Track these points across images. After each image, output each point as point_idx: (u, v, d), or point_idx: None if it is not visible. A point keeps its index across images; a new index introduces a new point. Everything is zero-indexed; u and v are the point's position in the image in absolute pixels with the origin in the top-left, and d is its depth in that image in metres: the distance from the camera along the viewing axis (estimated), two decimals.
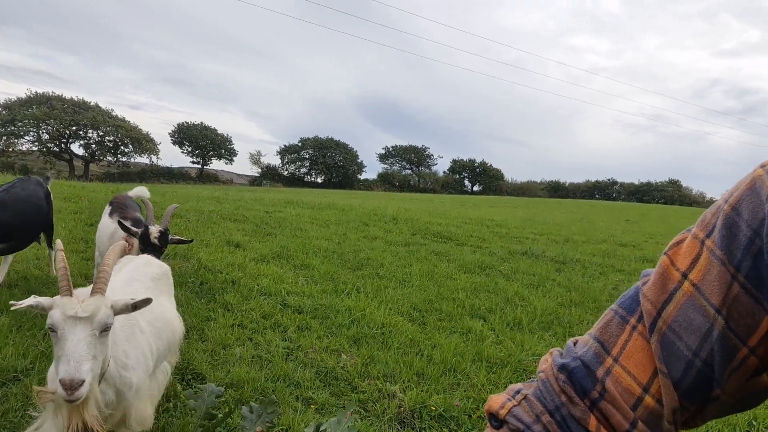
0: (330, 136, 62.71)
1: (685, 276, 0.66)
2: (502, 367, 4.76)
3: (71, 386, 1.90)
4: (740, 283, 0.60)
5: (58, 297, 2.08)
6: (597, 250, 12.67)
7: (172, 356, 3.47)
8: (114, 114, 51.88)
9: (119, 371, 2.42)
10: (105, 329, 2.10)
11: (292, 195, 21.46)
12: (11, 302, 2.09)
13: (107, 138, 51.20)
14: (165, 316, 3.07)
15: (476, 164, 70.10)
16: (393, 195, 41.31)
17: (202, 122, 57.78)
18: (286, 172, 61.88)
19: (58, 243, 2.31)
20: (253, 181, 58.00)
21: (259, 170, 60.94)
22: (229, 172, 62.03)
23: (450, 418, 3.85)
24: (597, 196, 70.57)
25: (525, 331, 5.84)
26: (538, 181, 73.62)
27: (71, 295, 2.10)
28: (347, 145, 63.06)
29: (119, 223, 4.36)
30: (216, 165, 59.64)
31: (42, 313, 2.08)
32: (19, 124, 46.73)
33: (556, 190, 70.73)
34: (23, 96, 48.88)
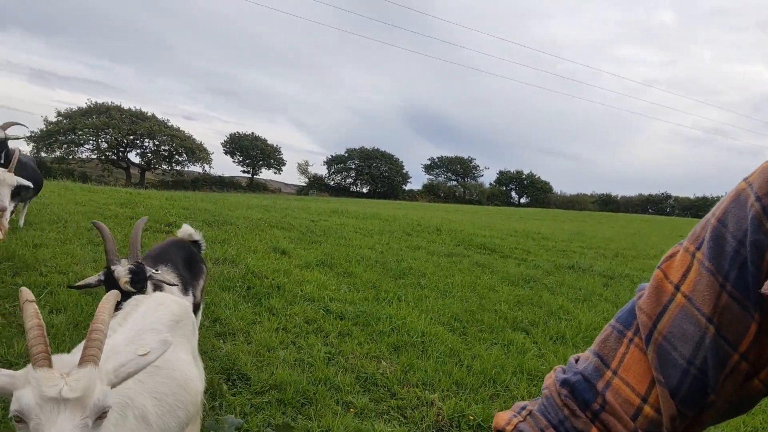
0: (376, 147, 63.15)
1: (677, 288, 0.69)
2: (541, 381, 4.72)
3: None
4: (728, 292, 0.64)
5: (28, 369, 1.43)
6: (648, 266, 12.35)
7: (193, 427, 2.65)
8: (169, 124, 53.65)
9: None
10: (101, 416, 1.48)
11: (337, 204, 21.70)
12: None
13: (162, 147, 52.96)
14: (184, 381, 2.36)
15: (524, 176, 69.18)
16: (438, 206, 41.14)
17: (252, 132, 59.12)
18: (332, 182, 62.60)
19: (26, 293, 1.57)
20: (301, 191, 58.92)
21: (307, 180, 61.87)
22: (277, 181, 63.18)
23: (488, 429, 3.86)
24: (650, 210, 68.50)
25: (569, 345, 5.77)
26: (588, 194, 72.05)
27: (50, 365, 1.43)
28: (393, 155, 63.34)
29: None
30: (265, 174, 60.75)
31: (4, 394, 1.41)
32: (80, 132, 48.85)
33: (606, 203, 69.05)
34: (83, 106, 51.08)
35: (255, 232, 9.63)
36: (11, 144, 6.42)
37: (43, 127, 47.20)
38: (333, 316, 5.61)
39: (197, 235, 4.39)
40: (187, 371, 2.41)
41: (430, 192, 63.81)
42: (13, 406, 1.37)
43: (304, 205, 18.72)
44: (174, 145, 52.78)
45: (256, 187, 56.39)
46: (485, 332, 5.83)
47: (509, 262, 10.43)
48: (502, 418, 0.77)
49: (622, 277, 10.21)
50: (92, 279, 3.04)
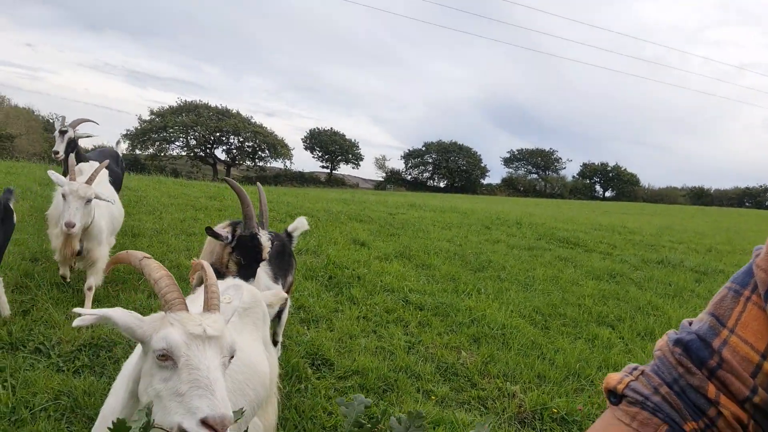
0: (453, 140, 62.61)
1: None
2: None
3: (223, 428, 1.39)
4: None
5: (163, 314, 1.58)
6: (744, 261, 11.51)
7: (265, 412, 2.71)
8: (253, 121, 55.65)
9: None
10: (231, 358, 1.61)
11: (414, 198, 21.75)
12: (75, 310, 1.59)
13: (246, 144, 55.01)
14: (252, 363, 2.41)
15: (609, 168, 66.35)
16: (517, 200, 40.33)
17: (331, 128, 60.19)
18: (409, 177, 62.72)
19: (136, 253, 1.80)
20: (378, 186, 59.44)
21: (384, 175, 62.30)
22: (355, 176, 64.09)
23: (572, 422, 3.78)
24: (747, 204, 63.91)
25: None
26: (679, 187, 68.17)
27: (187, 309, 1.59)
28: (471, 149, 62.55)
29: (208, 229, 3.19)
30: (343, 170, 61.72)
31: (129, 334, 1.55)
32: (171, 130, 51.60)
33: (699, 196, 65.08)
34: (174, 104, 53.87)
35: (335, 225, 9.84)
36: (102, 143, 6.72)
37: (137, 125, 50.30)
38: (412, 306, 5.66)
39: (300, 230, 4.47)
40: (254, 355, 2.48)
41: (510, 186, 62.56)
42: (160, 345, 1.47)
43: (381, 199, 18.92)
44: (257, 141, 54.70)
45: (334, 182, 57.45)
46: (568, 326, 5.69)
47: (593, 256, 10.08)
48: (613, 378, 0.76)
49: (716, 273, 9.62)
50: (224, 233, 3.12)
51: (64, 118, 6.65)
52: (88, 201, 4.41)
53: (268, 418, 2.72)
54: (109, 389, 1.99)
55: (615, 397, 0.75)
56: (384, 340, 4.77)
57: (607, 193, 66.62)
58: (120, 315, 1.56)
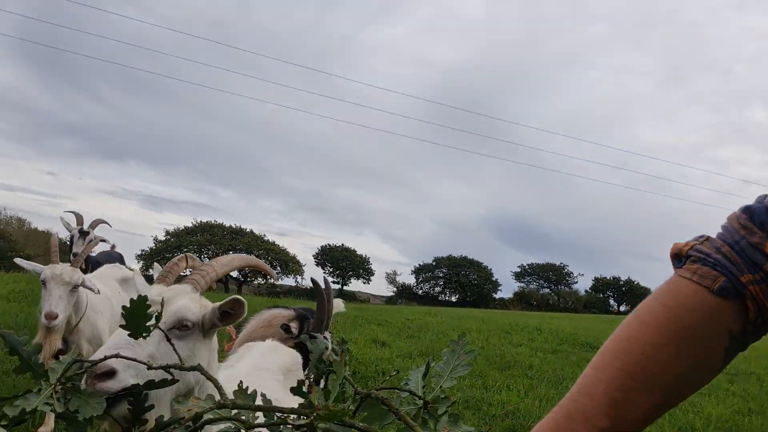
0: (464, 255, 62.94)
1: None
2: None
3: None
4: None
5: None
6: None
7: None
8: (265, 239, 56.62)
9: None
10: (179, 327, 1.61)
11: (428, 309, 21.53)
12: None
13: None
14: None
15: (621, 282, 65.82)
16: (531, 314, 39.77)
17: (342, 244, 60.95)
18: (420, 291, 62.35)
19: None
20: (389, 301, 58.99)
21: (395, 289, 62.03)
22: (366, 292, 63.82)
23: None
24: None
25: None
26: None
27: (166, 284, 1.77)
28: (481, 263, 62.67)
29: (283, 326, 3.03)
30: (354, 285, 61.60)
31: None
32: (185, 249, 52.45)
33: None
34: (189, 225, 55.19)
35: (353, 327, 9.71)
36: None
37: (152, 245, 51.24)
38: None
39: (336, 311, 4.37)
40: None
41: (522, 300, 61.88)
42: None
43: (396, 309, 18.76)
44: (269, 258, 55.30)
45: (345, 296, 57.13)
46: None
47: None
48: (678, 245, 0.78)
49: (747, 374, 9.27)
50: (294, 329, 3.02)
51: (81, 217, 6.18)
52: (74, 288, 3.64)
53: None
54: None
55: (679, 260, 0.77)
56: None
57: (622, 308, 65.57)
58: None
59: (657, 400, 0.71)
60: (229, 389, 1.78)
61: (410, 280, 63.68)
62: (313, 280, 3.24)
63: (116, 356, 1.26)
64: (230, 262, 1.90)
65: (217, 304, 1.69)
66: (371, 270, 59.70)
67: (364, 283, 60.72)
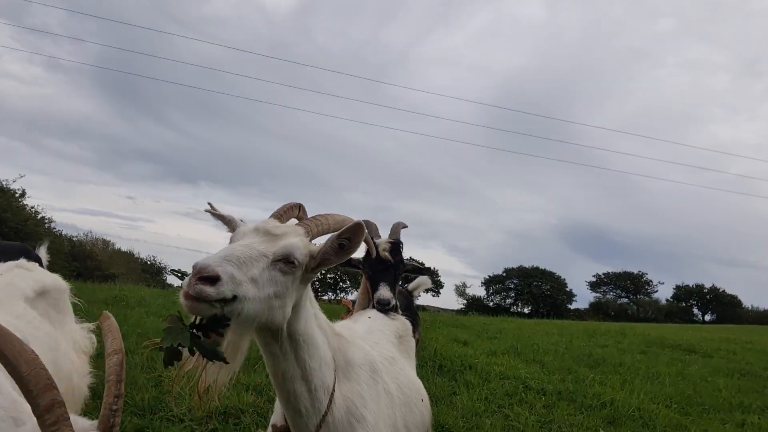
0: (535, 265, 61.43)
1: None
2: None
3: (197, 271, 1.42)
4: None
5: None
6: None
7: None
8: None
9: (350, 420, 1.83)
10: (283, 260, 1.59)
11: (503, 318, 21.13)
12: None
13: (329, 275, 56.36)
14: (417, 384, 2.40)
15: (705, 290, 62.24)
16: (611, 324, 38.25)
17: (410, 257, 60.80)
18: (491, 303, 61.24)
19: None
20: (459, 313, 58.31)
21: (465, 302, 61.23)
22: (435, 306, 63.29)
23: None
24: None
25: None
26: None
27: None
28: (554, 273, 60.90)
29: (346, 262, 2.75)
30: (424, 299, 61.29)
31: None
32: None
33: None
34: None
35: (432, 329, 9.67)
36: None
37: None
38: (534, 391, 5.34)
39: (423, 288, 4.39)
40: (415, 378, 2.45)
41: (599, 310, 59.57)
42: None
43: (471, 317, 18.53)
44: (338, 272, 55.97)
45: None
46: (710, 412, 5.15)
47: (714, 360, 9.25)
48: None
49: None
50: (355, 259, 3.00)
51: None
52: None
53: None
54: None
55: None
56: (511, 419, 4.48)
57: (707, 317, 61.95)
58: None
59: None
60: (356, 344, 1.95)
61: (480, 292, 62.65)
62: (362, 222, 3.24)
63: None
64: (343, 221, 1.83)
65: (335, 234, 1.66)
66: (440, 282, 59.18)
67: (433, 296, 60.21)
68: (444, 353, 6.75)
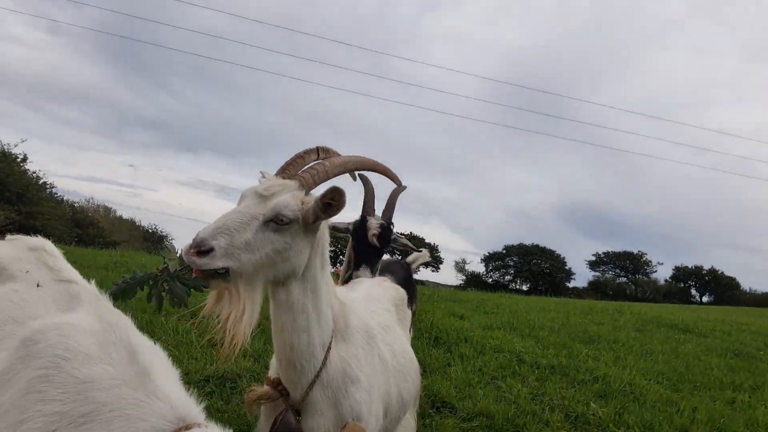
0: (535, 243, 61.56)
1: None
2: None
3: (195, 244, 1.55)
4: None
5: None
6: None
7: (414, 407, 2.76)
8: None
9: (344, 380, 1.88)
10: (276, 220, 1.65)
11: (501, 294, 21.26)
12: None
13: (330, 248, 56.50)
14: (410, 352, 2.45)
15: (704, 272, 62.46)
16: (609, 303, 38.49)
17: (411, 232, 61.09)
18: (490, 280, 61.53)
19: None
20: (458, 289, 58.62)
21: (464, 278, 61.51)
22: (434, 281, 63.59)
23: None
24: None
25: None
26: None
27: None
28: (554, 251, 61.09)
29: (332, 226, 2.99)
30: (423, 274, 61.56)
31: None
32: None
33: None
34: None
35: (430, 302, 9.74)
36: None
37: None
38: (527, 364, 5.40)
39: (420, 262, 4.38)
40: (408, 346, 2.50)
41: (597, 289, 59.86)
42: None
43: (469, 293, 18.64)
44: (339, 246, 56.16)
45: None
46: (700, 390, 5.22)
47: (709, 340, 9.32)
48: None
49: None
50: (343, 224, 3.10)
51: None
52: None
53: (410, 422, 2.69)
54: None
55: None
56: (503, 390, 4.55)
57: (704, 298, 62.28)
58: None
59: None
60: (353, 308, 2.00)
61: (479, 268, 62.89)
62: (360, 176, 3.17)
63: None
64: (344, 164, 1.85)
65: (318, 195, 1.71)
66: (440, 258, 59.37)
67: (432, 271, 60.46)
68: (440, 326, 6.81)
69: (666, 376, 5.58)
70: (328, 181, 1.80)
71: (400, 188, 3.11)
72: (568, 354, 6.13)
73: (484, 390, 4.49)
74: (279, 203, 1.66)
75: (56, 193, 33.69)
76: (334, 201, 1.69)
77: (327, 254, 1.92)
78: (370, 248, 2.91)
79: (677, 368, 5.99)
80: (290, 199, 1.68)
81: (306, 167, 1.82)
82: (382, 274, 3.64)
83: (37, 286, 1.65)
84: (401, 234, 3.29)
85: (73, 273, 1.78)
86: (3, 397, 1.25)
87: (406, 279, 3.95)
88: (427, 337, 6.13)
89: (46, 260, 1.77)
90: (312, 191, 1.79)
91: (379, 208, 3.16)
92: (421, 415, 3.79)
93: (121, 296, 1.66)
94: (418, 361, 5.03)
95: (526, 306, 11.83)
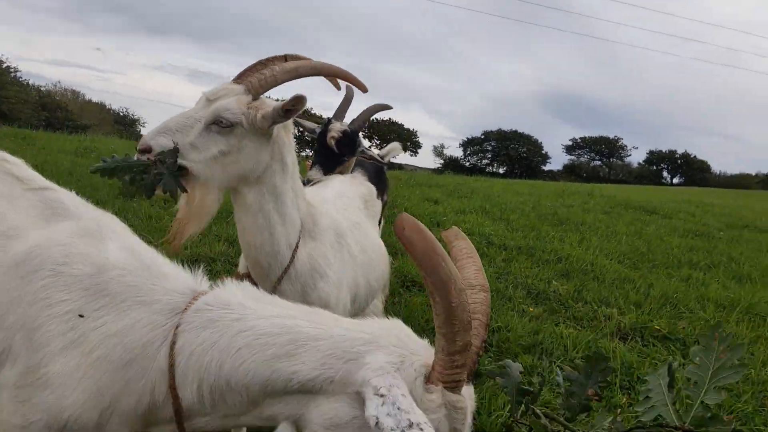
0: (514, 129, 61.59)
1: None
2: (732, 309, 4.36)
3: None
4: None
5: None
6: None
7: (382, 293, 2.92)
8: (312, 111, 56.37)
9: (312, 275, 1.98)
10: (216, 122, 1.70)
11: (477, 178, 21.55)
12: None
13: (306, 134, 55.84)
14: (379, 246, 2.55)
15: (677, 155, 63.65)
16: (582, 185, 39.37)
17: (389, 118, 60.30)
18: (467, 164, 62.11)
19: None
20: (435, 172, 59.22)
21: (442, 162, 61.94)
22: (413, 165, 63.93)
23: (676, 340, 3.65)
24: None
25: (757, 284, 5.27)
26: (753, 174, 64.63)
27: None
28: (531, 136, 61.41)
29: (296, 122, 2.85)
30: (401, 158, 61.67)
31: None
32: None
33: None
34: None
35: (405, 188, 9.85)
36: None
37: None
38: (496, 246, 5.61)
39: (393, 154, 4.33)
40: (377, 240, 2.58)
41: (572, 172, 60.97)
42: None
43: (445, 176, 18.85)
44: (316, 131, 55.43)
45: (391, 168, 57.57)
46: (659, 268, 5.51)
47: (673, 221, 9.70)
48: None
49: None
50: (312, 125, 3.04)
51: None
52: None
53: (382, 300, 2.89)
54: None
55: None
56: None
57: (675, 180, 64.00)
58: None
59: None
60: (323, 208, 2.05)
61: (458, 153, 63.24)
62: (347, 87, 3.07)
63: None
64: (295, 69, 1.82)
65: (280, 104, 1.74)
66: (418, 143, 59.40)
67: (411, 155, 60.73)
68: (414, 211, 6.95)
69: (627, 256, 5.85)
70: (279, 86, 1.80)
71: (378, 107, 3.14)
72: (536, 236, 6.36)
73: None
74: (219, 106, 1.70)
75: (21, 77, 32.21)
76: (294, 107, 1.72)
77: (289, 158, 1.92)
78: (328, 150, 2.87)
79: (639, 248, 6.27)
80: (233, 102, 1.71)
81: (255, 73, 1.80)
82: (354, 169, 3.63)
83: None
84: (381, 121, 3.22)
85: (44, 180, 1.74)
86: (14, 316, 1.25)
87: (376, 173, 3.97)
88: None
89: (11, 170, 1.70)
90: (262, 95, 1.79)
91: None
92: (392, 293, 3.97)
93: (107, 174, 1.67)
94: (390, 244, 5.18)
95: (501, 189, 12.05)
